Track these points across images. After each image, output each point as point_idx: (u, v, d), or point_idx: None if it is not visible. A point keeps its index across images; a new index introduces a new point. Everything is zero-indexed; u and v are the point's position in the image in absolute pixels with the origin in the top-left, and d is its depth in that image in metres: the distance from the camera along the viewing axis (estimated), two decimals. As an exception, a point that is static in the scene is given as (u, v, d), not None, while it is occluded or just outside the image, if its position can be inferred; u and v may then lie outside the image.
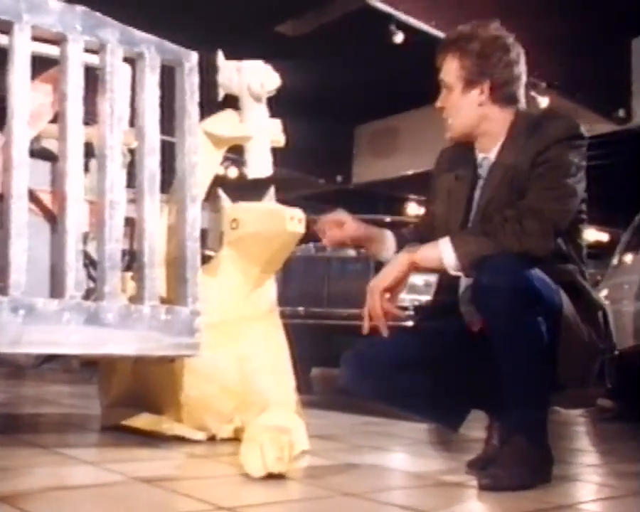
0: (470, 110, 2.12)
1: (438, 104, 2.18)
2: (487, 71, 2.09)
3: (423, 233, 2.26)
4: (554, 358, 1.96)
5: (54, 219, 2.19)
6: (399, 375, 2.05)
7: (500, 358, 1.91)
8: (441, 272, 2.04)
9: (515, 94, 2.13)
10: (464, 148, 2.22)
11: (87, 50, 2.22)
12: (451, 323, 2.12)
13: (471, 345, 2.03)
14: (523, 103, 2.17)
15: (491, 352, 1.91)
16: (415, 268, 1.99)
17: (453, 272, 1.96)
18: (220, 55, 2.65)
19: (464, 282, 2.11)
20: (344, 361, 2.12)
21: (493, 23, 2.15)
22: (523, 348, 1.89)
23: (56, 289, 2.13)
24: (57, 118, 2.21)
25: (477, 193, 2.16)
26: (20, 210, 2.03)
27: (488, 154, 2.15)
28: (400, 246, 2.21)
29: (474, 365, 2.04)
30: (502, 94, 2.11)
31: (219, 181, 2.76)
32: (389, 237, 2.26)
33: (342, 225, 2.20)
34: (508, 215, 1.94)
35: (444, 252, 1.94)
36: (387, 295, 1.98)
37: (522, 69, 2.15)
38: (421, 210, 9.89)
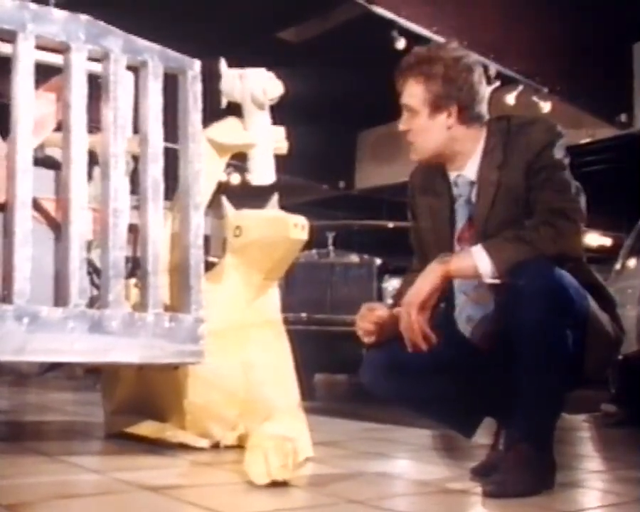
0: (439, 134, 2.09)
1: (401, 127, 2.15)
2: (454, 94, 2.06)
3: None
4: (581, 360, 1.95)
5: (58, 227, 2.20)
6: (420, 379, 2.04)
7: (522, 363, 1.89)
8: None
9: (481, 112, 2.11)
10: (433, 168, 2.19)
11: (90, 59, 2.23)
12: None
13: (484, 353, 2.04)
14: (485, 117, 2.13)
15: (503, 359, 1.92)
16: (449, 278, 1.97)
17: (488, 280, 1.94)
18: (223, 63, 2.66)
19: (460, 302, 2.12)
20: (367, 360, 2.12)
21: (451, 44, 2.14)
22: (547, 357, 1.87)
23: (60, 297, 2.14)
24: (60, 126, 2.22)
25: (459, 211, 2.14)
26: (24, 219, 2.04)
27: (461, 171, 2.13)
28: None
29: (487, 372, 2.05)
30: (469, 114, 2.08)
31: (222, 188, 2.77)
32: None
33: (374, 312, 2.11)
34: (538, 221, 1.93)
35: (478, 260, 1.91)
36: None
37: (484, 87, 2.12)
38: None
